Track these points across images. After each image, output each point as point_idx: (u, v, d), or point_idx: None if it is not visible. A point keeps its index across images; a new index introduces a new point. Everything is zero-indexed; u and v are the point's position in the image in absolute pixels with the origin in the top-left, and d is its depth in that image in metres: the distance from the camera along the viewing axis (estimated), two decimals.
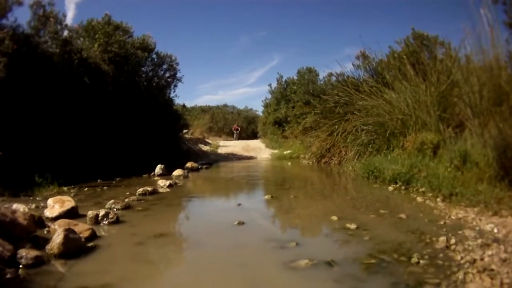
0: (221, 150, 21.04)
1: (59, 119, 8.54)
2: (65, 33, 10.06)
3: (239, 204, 5.95)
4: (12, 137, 6.78)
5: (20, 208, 4.33)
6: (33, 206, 5.16)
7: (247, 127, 38.24)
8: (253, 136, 35.35)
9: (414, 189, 5.95)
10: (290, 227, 4.66)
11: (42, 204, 5.26)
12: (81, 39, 11.08)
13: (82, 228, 3.88)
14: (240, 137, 33.98)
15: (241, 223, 4.56)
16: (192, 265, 3.41)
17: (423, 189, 5.74)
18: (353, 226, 4.15)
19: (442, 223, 4.07)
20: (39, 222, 4.19)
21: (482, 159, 4.93)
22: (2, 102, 7.17)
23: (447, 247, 3.29)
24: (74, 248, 3.35)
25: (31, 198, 5.99)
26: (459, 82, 6.50)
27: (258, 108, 50.88)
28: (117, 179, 8.78)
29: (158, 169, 10.02)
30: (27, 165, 6.96)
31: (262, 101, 28.06)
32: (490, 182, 4.67)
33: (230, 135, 35.10)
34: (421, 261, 3.00)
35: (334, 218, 4.61)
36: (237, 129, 34.86)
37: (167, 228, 4.68)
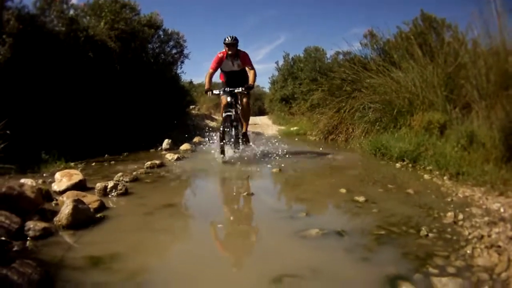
0: None
1: (65, 96, 8.52)
2: (71, 11, 10.02)
3: (248, 176, 5.99)
4: (18, 115, 6.74)
5: (27, 182, 4.33)
6: (40, 181, 5.14)
7: (253, 103, 37.95)
8: (259, 113, 35.12)
9: (421, 167, 5.94)
10: (299, 198, 4.65)
11: (49, 180, 5.26)
12: (88, 17, 11.02)
13: (90, 199, 3.91)
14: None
15: (250, 194, 4.61)
16: (201, 234, 3.45)
17: (430, 167, 5.73)
18: (361, 199, 4.18)
19: (449, 200, 4.07)
20: (47, 196, 4.20)
21: (488, 140, 4.91)
22: (8, 81, 7.17)
23: (455, 222, 3.31)
24: (83, 219, 3.37)
25: (38, 174, 5.97)
26: (466, 65, 6.48)
27: (265, 85, 50.50)
28: (125, 153, 8.80)
29: (165, 143, 10.05)
30: (33, 142, 6.94)
31: (269, 78, 27.87)
32: (496, 163, 4.65)
33: None
34: (430, 234, 3.03)
35: (343, 190, 4.64)
36: None
37: (176, 199, 4.70)
